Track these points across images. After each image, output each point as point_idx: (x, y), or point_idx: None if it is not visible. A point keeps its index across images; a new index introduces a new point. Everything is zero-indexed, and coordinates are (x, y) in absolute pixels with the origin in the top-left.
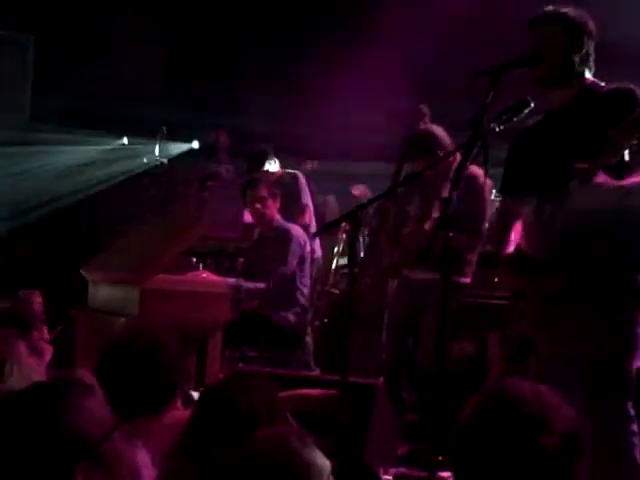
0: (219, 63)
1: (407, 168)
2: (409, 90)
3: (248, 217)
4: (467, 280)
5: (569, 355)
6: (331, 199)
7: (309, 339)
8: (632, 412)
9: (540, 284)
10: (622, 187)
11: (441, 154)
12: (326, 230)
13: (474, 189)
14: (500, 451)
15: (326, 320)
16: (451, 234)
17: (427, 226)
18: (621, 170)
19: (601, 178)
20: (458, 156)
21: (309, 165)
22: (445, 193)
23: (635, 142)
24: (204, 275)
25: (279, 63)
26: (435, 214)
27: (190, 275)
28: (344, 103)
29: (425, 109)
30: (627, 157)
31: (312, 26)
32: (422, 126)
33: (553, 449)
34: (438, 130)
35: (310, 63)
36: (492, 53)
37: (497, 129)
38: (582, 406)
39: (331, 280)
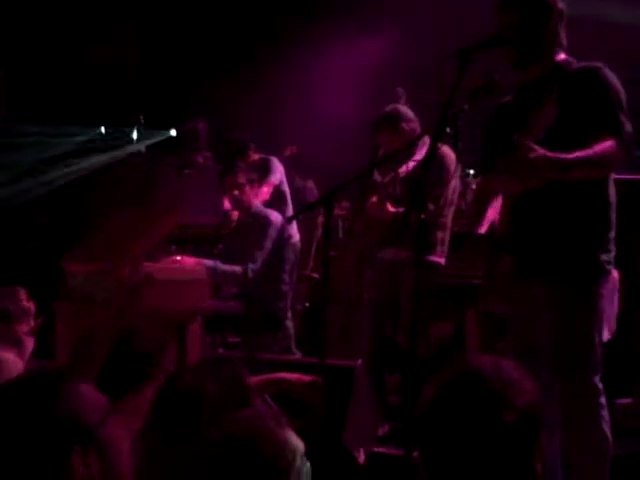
0: (198, 53)
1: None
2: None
3: (227, 203)
4: (441, 260)
5: (535, 330)
6: (310, 183)
7: (290, 323)
8: (600, 385)
9: (501, 261)
10: (561, 160)
11: (405, 127)
12: (300, 214)
13: (441, 165)
14: (461, 426)
15: (307, 304)
16: (423, 216)
17: (388, 206)
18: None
19: (540, 151)
20: (427, 138)
21: (288, 151)
22: (409, 166)
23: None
24: (182, 260)
25: (258, 50)
26: (394, 186)
27: (168, 261)
28: (324, 91)
29: (401, 91)
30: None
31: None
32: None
33: (513, 423)
34: (403, 107)
35: (285, 47)
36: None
37: (466, 109)
38: (550, 380)
39: (311, 264)
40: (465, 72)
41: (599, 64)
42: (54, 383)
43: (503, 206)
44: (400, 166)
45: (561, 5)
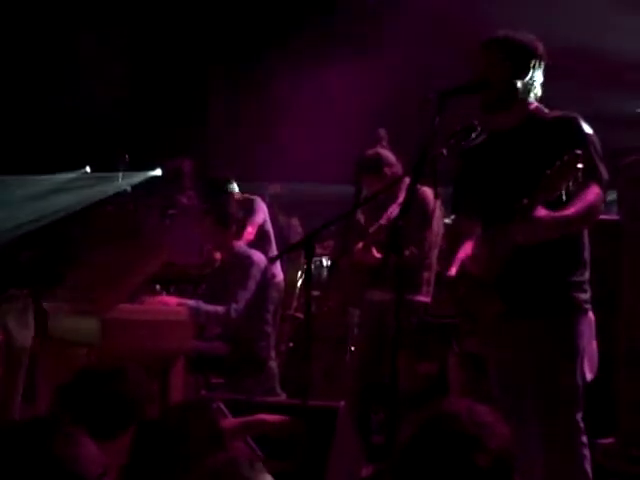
0: (184, 94)
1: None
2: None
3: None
4: (425, 299)
5: (517, 372)
6: (294, 221)
7: (273, 364)
8: (581, 424)
9: (486, 306)
10: (562, 219)
11: (388, 172)
12: (283, 254)
13: (422, 208)
14: (435, 469)
15: (291, 344)
16: (406, 253)
17: (374, 252)
18: (559, 203)
19: (542, 212)
20: (407, 179)
21: (271, 189)
22: (392, 212)
23: (570, 182)
24: (165, 300)
25: (243, 90)
26: (379, 234)
27: (151, 302)
28: (307, 127)
29: (383, 133)
30: (564, 197)
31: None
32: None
33: (486, 467)
34: (385, 152)
35: (272, 89)
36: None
37: (445, 153)
38: (533, 422)
39: (295, 304)
40: (444, 114)
41: (574, 114)
42: (51, 431)
43: (480, 251)
44: (384, 209)
45: (541, 50)
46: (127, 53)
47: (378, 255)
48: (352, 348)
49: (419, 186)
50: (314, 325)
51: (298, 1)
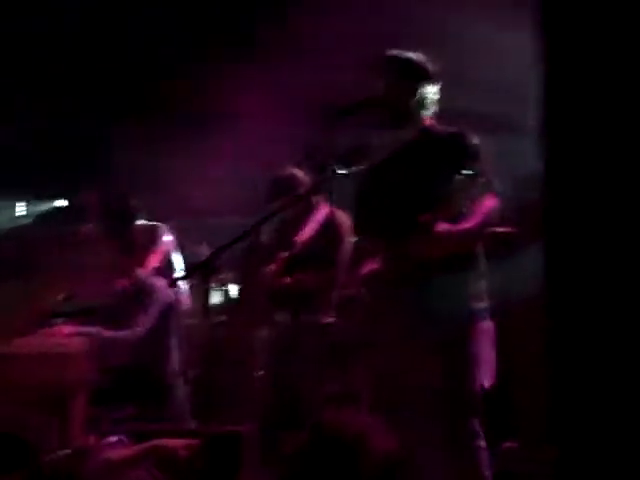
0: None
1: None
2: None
3: (113, 276)
4: (329, 319)
5: (416, 381)
6: (203, 249)
7: (180, 391)
8: (478, 428)
9: (385, 321)
10: (462, 232)
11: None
12: (188, 279)
13: (335, 230)
14: (322, 476)
15: (199, 371)
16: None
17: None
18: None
19: (443, 227)
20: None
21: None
22: (302, 235)
23: (470, 195)
24: (59, 330)
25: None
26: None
27: (46, 334)
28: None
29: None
30: (464, 209)
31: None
32: (286, 170)
33: (371, 472)
34: (300, 173)
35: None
36: None
37: (342, 172)
38: (427, 427)
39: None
40: (336, 130)
41: (463, 130)
42: None
43: (382, 267)
44: (294, 231)
45: (432, 69)
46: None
47: (289, 280)
48: (260, 372)
49: (333, 209)
50: (221, 350)
51: None
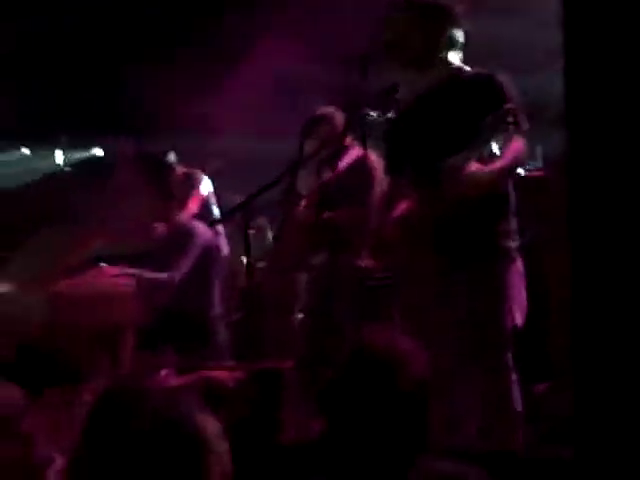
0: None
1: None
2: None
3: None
4: (367, 262)
5: (445, 321)
6: (238, 199)
7: (222, 336)
8: (511, 363)
9: (422, 261)
10: (493, 172)
11: (329, 132)
12: (219, 222)
13: (367, 171)
14: (361, 396)
15: (241, 315)
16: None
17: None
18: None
19: (474, 166)
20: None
21: (212, 165)
22: (332, 173)
23: (501, 135)
24: (106, 270)
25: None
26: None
27: (93, 275)
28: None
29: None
30: (496, 150)
31: None
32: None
33: (407, 390)
34: (335, 112)
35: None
36: None
37: (371, 114)
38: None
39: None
40: (367, 75)
41: (492, 71)
42: None
43: (414, 210)
44: (326, 170)
45: (456, 13)
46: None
47: (322, 215)
48: (299, 315)
49: (364, 151)
50: (261, 295)
51: None
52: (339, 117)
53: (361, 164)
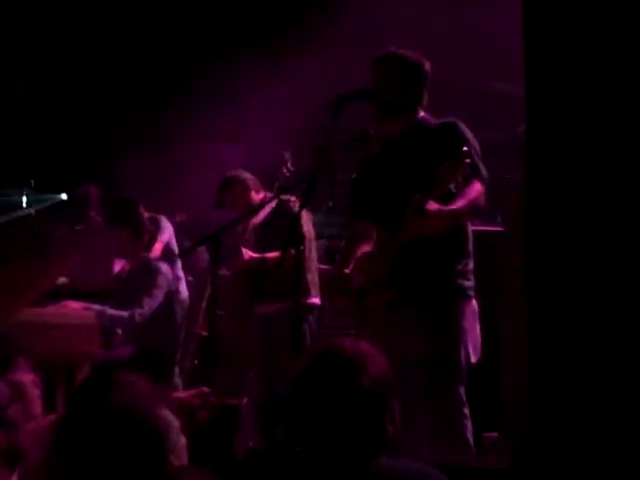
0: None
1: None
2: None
3: (118, 266)
4: (316, 300)
5: (406, 354)
6: (201, 247)
7: (178, 380)
8: (464, 397)
9: (377, 298)
10: (451, 211)
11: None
12: (182, 256)
13: (288, 215)
14: (323, 394)
15: (196, 362)
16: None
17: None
18: (449, 197)
19: (433, 205)
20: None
21: (178, 217)
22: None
23: (459, 177)
24: (69, 305)
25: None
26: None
27: (56, 307)
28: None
29: (288, 155)
30: (453, 189)
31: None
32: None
33: (368, 387)
34: (245, 175)
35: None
36: None
37: (340, 157)
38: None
39: (200, 322)
40: (339, 118)
41: (454, 119)
42: None
43: (376, 249)
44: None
45: (427, 67)
46: (31, 75)
47: (250, 255)
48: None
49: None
50: (218, 342)
51: None
52: (249, 176)
53: (284, 208)
